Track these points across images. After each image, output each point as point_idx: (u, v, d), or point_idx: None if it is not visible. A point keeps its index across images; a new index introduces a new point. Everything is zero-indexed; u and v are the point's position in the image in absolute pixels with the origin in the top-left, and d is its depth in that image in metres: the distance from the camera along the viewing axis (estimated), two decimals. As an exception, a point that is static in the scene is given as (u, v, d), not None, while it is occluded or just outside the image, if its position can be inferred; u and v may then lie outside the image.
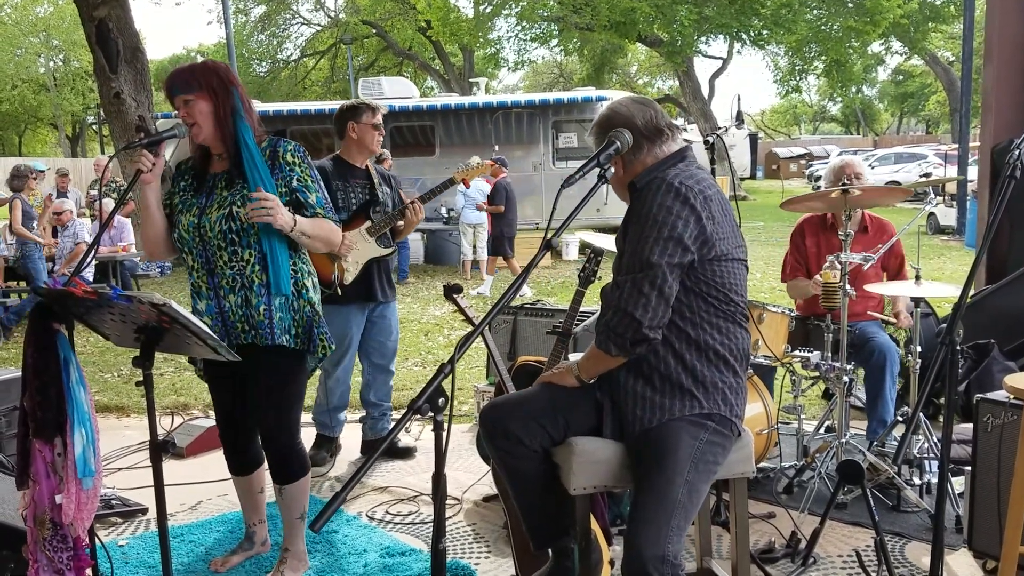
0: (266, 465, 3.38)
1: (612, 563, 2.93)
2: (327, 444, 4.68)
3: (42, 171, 13.92)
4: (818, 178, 29.97)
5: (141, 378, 2.63)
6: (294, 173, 3.01)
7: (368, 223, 4.29)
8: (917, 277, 3.85)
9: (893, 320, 4.33)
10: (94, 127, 44.72)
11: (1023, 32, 5.43)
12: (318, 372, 4.54)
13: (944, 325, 3.69)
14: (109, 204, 10.80)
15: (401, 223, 4.36)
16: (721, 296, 2.40)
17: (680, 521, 2.23)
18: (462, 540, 3.64)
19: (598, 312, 4.42)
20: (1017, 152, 2.33)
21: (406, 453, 4.66)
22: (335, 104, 16.23)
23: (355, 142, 4.35)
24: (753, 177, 34.47)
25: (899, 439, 3.95)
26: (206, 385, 3.36)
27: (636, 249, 2.34)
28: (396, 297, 4.66)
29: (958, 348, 2.26)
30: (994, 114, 5.51)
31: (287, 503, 3.21)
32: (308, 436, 5.26)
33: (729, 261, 2.40)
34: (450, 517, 3.86)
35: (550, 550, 2.64)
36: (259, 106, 15.28)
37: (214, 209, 2.99)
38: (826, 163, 32.60)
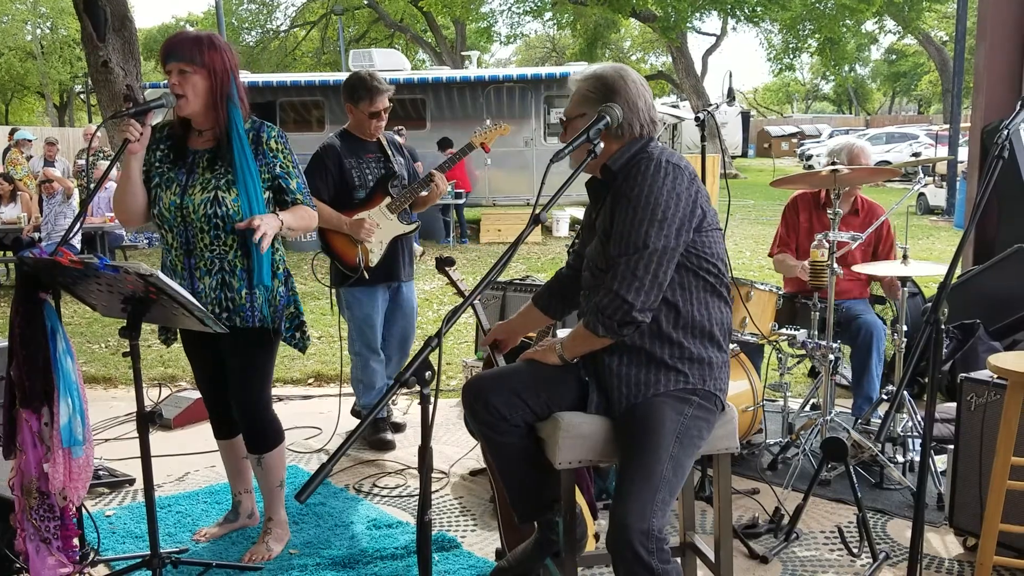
0: None
1: (597, 537, 2.96)
2: (383, 424, 4.49)
3: (30, 140, 13.80)
4: (809, 157, 29.95)
5: (128, 349, 2.63)
6: (277, 160, 3.03)
7: (388, 199, 4.12)
8: (905, 257, 3.87)
9: (883, 294, 4.32)
10: (82, 96, 44.25)
11: (1016, 12, 5.42)
12: (349, 362, 4.46)
13: (930, 304, 3.71)
14: (104, 167, 10.61)
15: (424, 193, 4.21)
16: (710, 267, 2.41)
17: (665, 496, 2.24)
18: (449, 513, 3.66)
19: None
20: (1005, 132, 2.33)
21: (396, 428, 4.67)
22: (325, 76, 16.13)
23: (355, 123, 4.18)
24: (745, 155, 34.47)
25: (883, 417, 3.99)
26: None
27: (629, 231, 2.32)
28: (413, 276, 4.47)
29: (943, 328, 2.27)
30: (985, 94, 5.50)
31: (265, 473, 3.25)
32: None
33: (712, 230, 2.42)
34: (437, 490, 3.88)
35: (535, 523, 2.67)
36: (248, 77, 15.19)
37: (197, 191, 2.95)
38: (818, 142, 32.39)
